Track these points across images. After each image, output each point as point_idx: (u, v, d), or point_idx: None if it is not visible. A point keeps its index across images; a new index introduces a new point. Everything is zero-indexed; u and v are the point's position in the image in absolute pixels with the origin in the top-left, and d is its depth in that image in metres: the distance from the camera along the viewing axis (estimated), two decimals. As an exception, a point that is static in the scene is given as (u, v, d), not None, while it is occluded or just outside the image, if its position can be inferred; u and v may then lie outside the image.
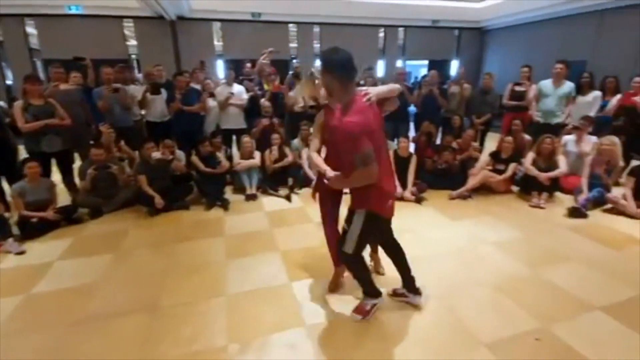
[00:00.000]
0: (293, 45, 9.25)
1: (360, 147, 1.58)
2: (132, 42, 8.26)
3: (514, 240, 3.04)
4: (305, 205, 3.88)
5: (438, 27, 9.76)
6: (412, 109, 5.20)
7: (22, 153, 3.68)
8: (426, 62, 10.56)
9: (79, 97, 4.02)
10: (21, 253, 2.87)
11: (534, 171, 3.87)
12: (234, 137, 4.85)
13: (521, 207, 3.78)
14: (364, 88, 1.76)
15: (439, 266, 2.66)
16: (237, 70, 5.16)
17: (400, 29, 9.71)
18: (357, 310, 2.09)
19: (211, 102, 4.66)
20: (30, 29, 7.62)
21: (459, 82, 5.02)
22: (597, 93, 4.38)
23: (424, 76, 5.16)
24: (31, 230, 3.11)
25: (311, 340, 1.92)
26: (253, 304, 2.24)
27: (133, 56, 8.58)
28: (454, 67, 10.18)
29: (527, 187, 3.96)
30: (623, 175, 3.98)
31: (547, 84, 4.57)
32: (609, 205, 3.60)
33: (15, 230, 3.11)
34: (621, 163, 3.94)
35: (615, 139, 3.81)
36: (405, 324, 2.05)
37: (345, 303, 2.20)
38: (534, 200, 3.80)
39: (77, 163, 4.03)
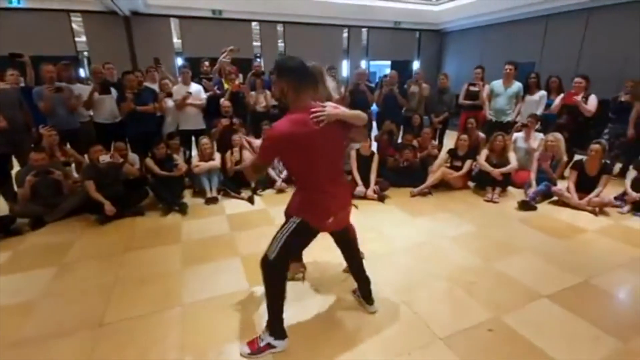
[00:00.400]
0: (256, 43, 9.09)
1: (260, 152, 1.67)
2: (82, 38, 7.72)
3: (469, 234, 3.16)
4: (268, 207, 3.80)
5: (400, 28, 10.01)
6: (374, 108, 5.27)
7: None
8: (389, 62, 10.79)
9: (17, 97, 3.67)
10: (-55, 272, 2.57)
11: (487, 167, 4.06)
12: (193, 139, 4.67)
13: (477, 202, 3.95)
14: (329, 104, 1.67)
15: (398, 262, 2.71)
16: (194, 69, 4.96)
17: (364, 30, 9.85)
18: (250, 343, 1.81)
19: (170, 103, 4.45)
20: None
21: (417, 82, 5.16)
22: (542, 92, 4.68)
23: (384, 76, 5.24)
24: (-43, 246, 2.79)
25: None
26: (210, 313, 2.15)
27: (85, 53, 8.04)
28: (416, 67, 10.51)
29: (482, 182, 4.14)
30: (566, 169, 4.28)
31: (498, 84, 4.82)
32: (555, 198, 3.85)
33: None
34: (565, 158, 4.23)
35: (559, 136, 4.08)
36: (364, 321, 2.06)
37: (303, 308, 2.17)
38: (488, 195, 3.98)
39: (16, 169, 3.69)
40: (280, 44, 9.19)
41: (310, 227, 1.73)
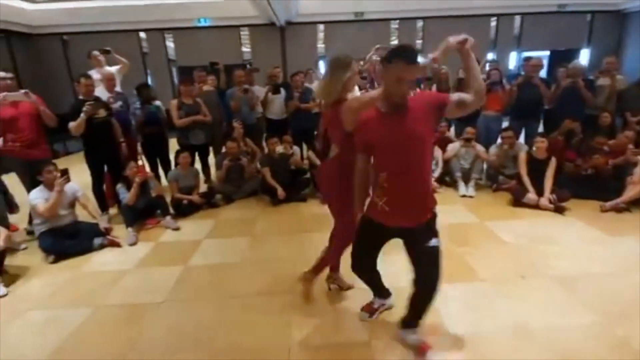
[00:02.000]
0: (393, 42, 9.05)
1: None
2: (246, 49, 9.11)
3: None
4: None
5: (565, 12, 8.44)
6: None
7: (174, 146, 4.33)
8: (547, 52, 9.24)
9: (216, 98, 4.57)
10: (177, 229, 3.37)
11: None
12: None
13: None
14: None
15: (603, 286, 2.26)
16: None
17: (517, 17, 8.69)
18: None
19: (326, 101, 4.82)
20: (169, 42, 8.99)
21: (609, 72, 4.21)
22: None
23: (563, 67, 4.45)
24: (183, 210, 3.63)
25: (462, 352, 1.79)
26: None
27: (246, 61, 9.48)
28: (584, 57, 8.71)
29: None
30: None
31: None
32: None
33: (170, 210, 3.66)
34: None
35: None
36: (571, 348, 1.77)
37: (490, 315, 2.01)
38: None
39: (211, 157, 4.59)
40: (418, 41, 8.92)
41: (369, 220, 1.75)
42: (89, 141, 3.47)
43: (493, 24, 8.78)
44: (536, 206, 3.43)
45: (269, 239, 3.15)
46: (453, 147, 4.20)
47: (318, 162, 4.18)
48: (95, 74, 4.14)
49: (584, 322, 1.96)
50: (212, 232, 3.33)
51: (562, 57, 8.11)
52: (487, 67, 4.91)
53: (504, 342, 1.85)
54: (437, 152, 4.25)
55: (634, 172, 3.54)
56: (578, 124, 3.96)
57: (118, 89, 4.26)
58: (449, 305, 2.15)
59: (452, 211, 3.56)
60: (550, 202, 3.39)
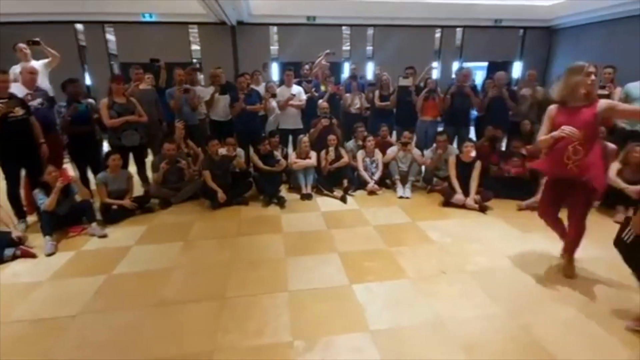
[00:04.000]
0: (346, 47, 9.27)
1: None
2: (196, 47, 8.81)
3: (596, 260, 2.72)
4: (361, 208, 3.83)
5: (500, 26, 9.19)
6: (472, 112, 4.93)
7: (105, 147, 4.07)
8: (485, 64, 9.98)
9: (154, 97, 4.36)
10: (104, 236, 3.16)
11: (620, 184, 3.46)
12: (290, 137, 4.95)
13: (604, 223, 3.39)
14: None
15: (511, 279, 2.48)
16: (295, 72, 5.26)
17: (459, 30, 9.30)
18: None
19: (273, 103, 4.81)
20: (110, 36, 8.43)
21: (530, 83, 4.65)
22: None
23: (489, 78, 4.85)
24: (112, 217, 3.41)
25: (378, 347, 1.87)
26: (315, 302, 2.24)
27: (194, 60, 9.16)
28: (517, 69, 9.54)
29: (611, 200, 3.54)
30: None
31: (634, 86, 4.07)
32: None
33: (98, 216, 3.42)
34: None
35: None
36: (478, 340, 1.92)
37: (409, 310, 2.12)
38: (618, 215, 3.40)
39: (149, 158, 4.37)
40: (369, 48, 9.21)
41: None
42: (4, 142, 3.14)
43: (437, 35, 9.32)
44: (463, 206, 3.69)
45: (203, 243, 3.06)
46: (392, 150, 4.38)
47: (261, 164, 4.16)
48: (18, 69, 3.78)
49: (489, 314, 2.13)
50: (142, 238, 3.16)
51: (498, 68, 8.75)
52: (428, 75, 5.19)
53: (420, 336, 1.95)
54: (377, 155, 4.41)
55: (547, 174, 3.94)
56: (500, 131, 4.32)
57: (46, 84, 3.92)
58: (375, 302, 2.24)
59: (389, 212, 3.71)
60: (475, 202, 3.67)
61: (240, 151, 4.47)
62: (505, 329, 2.01)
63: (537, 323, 2.03)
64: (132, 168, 4.17)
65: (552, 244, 2.93)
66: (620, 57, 6.85)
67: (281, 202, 3.87)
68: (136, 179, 4.12)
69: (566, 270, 2.52)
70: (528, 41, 9.62)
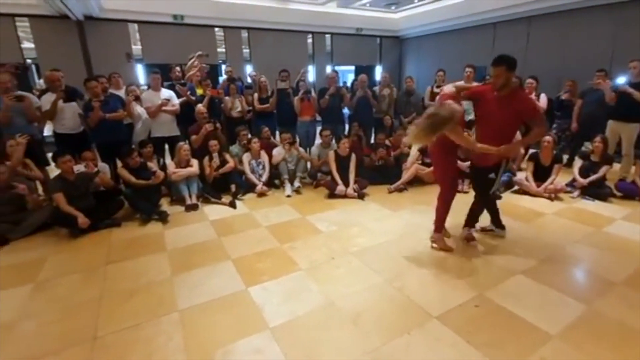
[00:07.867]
0: (221, 50, 8.98)
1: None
2: (29, 45, 7.17)
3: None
4: (251, 211, 3.80)
5: (362, 34, 10.38)
6: (345, 111, 5.45)
7: None
8: (353, 67, 11.14)
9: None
10: None
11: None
12: (167, 146, 4.53)
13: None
14: None
15: (385, 252, 2.86)
16: (164, 75, 4.83)
17: (327, 36, 10.10)
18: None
19: (139, 109, 4.28)
20: None
21: (387, 85, 5.42)
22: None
23: (355, 80, 5.46)
24: None
25: (277, 342, 1.90)
26: (210, 315, 2.13)
27: (28, 60, 7.45)
28: (379, 72, 10.95)
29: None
30: (524, 161, 4.72)
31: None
32: (516, 187, 4.24)
33: None
34: (522, 151, 4.66)
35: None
36: (363, 308, 2.15)
37: (304, 300, 2.23)
38: (458, 186, 4.27)
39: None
40: (246, 50, 9.16)
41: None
42: None
43: (309, 40, 9.92)
44: (345, 196, 4.06)
45: (61, 281, 2.52)
46: (279, 151, 4.49)
47: (134, 179, 3.69)
48: None
49: (372, 284, 2.41)
50: (-35, 291, 2.42)
51: (363, 71, 9.94)
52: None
53: (314, 320, 2.06)
54: (264, 156, 4.45)
55: (407, 160, 4.67)
56: (358, 127, 4.96)
57: None
58: (272, 300, 2.26)
59: (279, 211, 3.79)
60: (355, 191, 4.08)
61: (103, 166, 3.87)
62: (385, 294, 2.31)
63: (409, 284, 2.40)
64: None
65: (417, 218, 3.50)
66: (448, 62, 8.63)
67: (163, 218, 3.51)
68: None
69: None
70: (384, 48, 11.16)
